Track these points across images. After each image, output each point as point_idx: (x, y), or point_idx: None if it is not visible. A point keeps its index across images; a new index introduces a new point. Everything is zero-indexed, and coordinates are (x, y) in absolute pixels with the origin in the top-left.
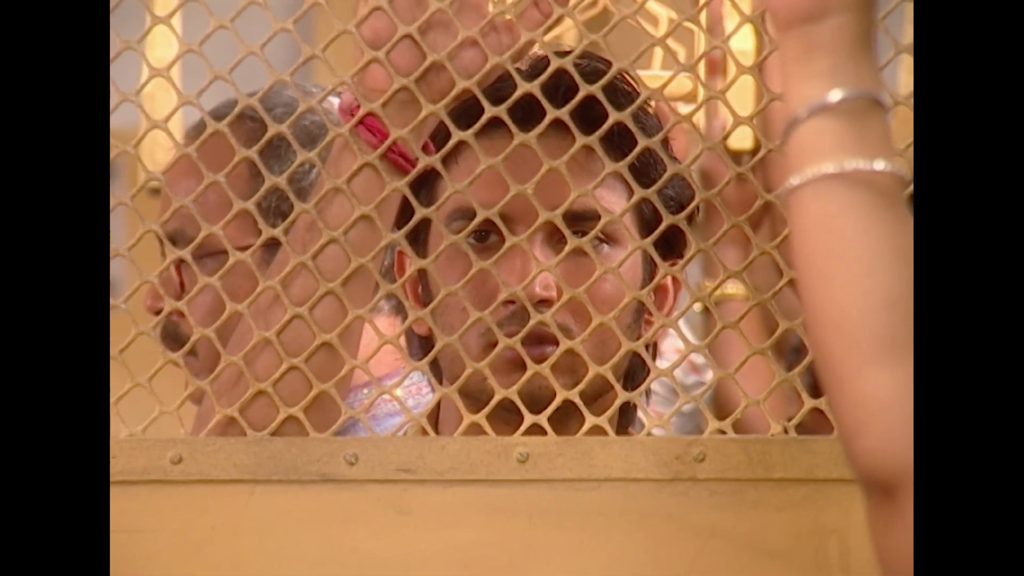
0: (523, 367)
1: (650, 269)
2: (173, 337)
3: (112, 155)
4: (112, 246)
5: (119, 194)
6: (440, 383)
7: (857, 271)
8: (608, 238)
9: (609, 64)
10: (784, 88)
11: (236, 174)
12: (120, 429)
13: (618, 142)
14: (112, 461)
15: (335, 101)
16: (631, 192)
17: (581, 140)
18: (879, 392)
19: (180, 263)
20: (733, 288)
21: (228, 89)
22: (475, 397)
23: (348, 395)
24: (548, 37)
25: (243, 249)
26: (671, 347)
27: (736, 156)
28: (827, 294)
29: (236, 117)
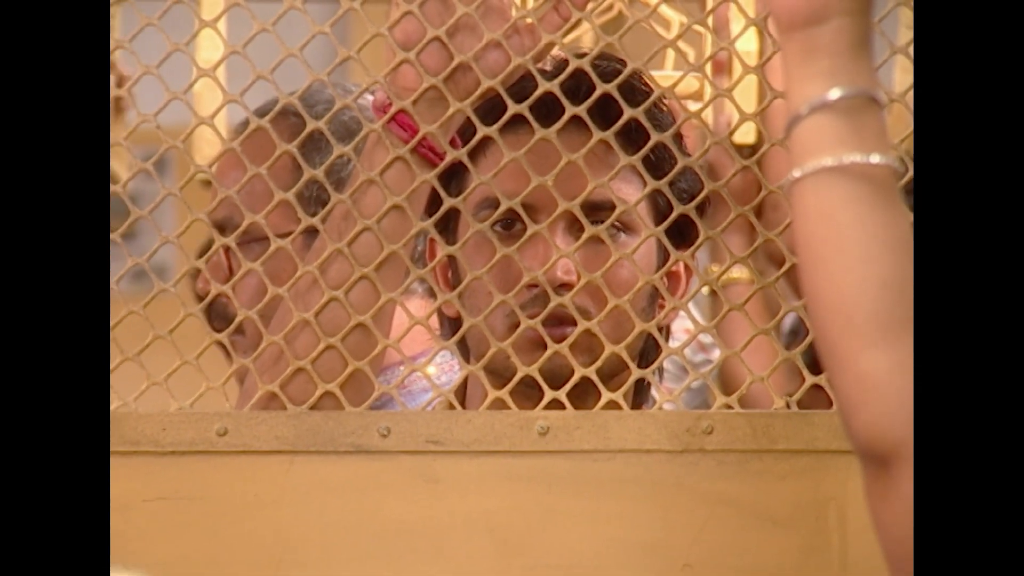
0: (544, 346)
1: (663, 256)
2: (223, 318)
3: (162, 149)
4: (162, 233)
5: (169, 185)
6: (467, 361)
7: (854, 257)
8: (624, 227)
9: (624, 64)
10: (786, 87)
11: (280, 166)
12: (170, 403)
13: (634, 137)
14: (162, 433)
15: (369, 99)
16: (646, 184)
17: (598, 135)
18: (875, 370)
19: (229, 249)
20: (737, 273)
21: (270, 88)
22: (499, 374)
23: (384, 373)
24: (567, 39)
25: (286, 236)
26: (681, 328)
27: (739, 150)
28: (827, 278)
29: (280, 114)
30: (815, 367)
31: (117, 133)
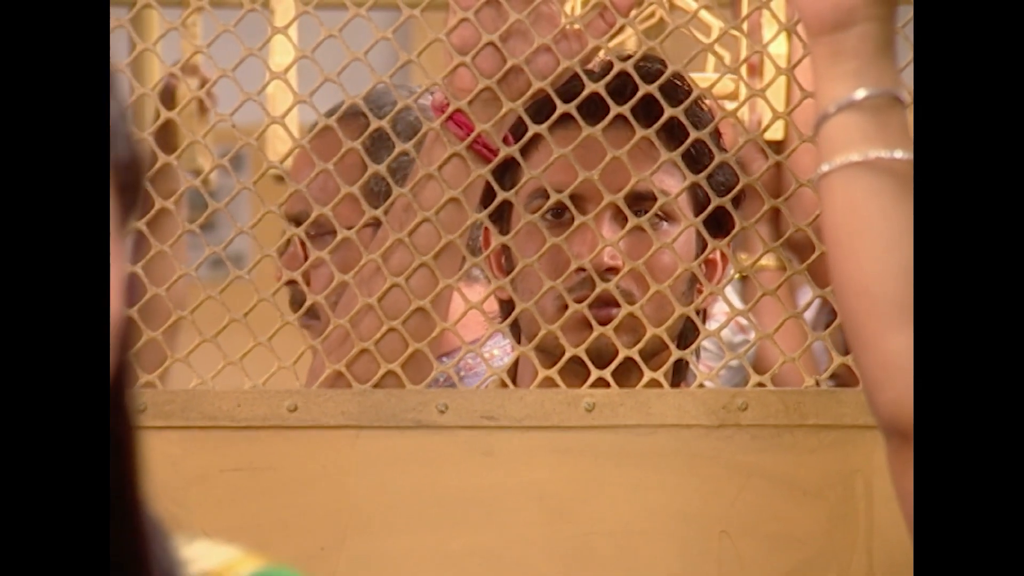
0: (591, 327)
1: (702, 244)
2: (299, 303)
3: (237, 147)
4: (237, 224)
5: (244, 180)
6: (519, 342)
7: (879, 246)
8: (666, 216)
9: (666, 66)
10: (815, 87)
11: (352, 163)
12: (244, 382)
13: (676, 134)
14: (237, 409)
15: (429, 99)
16: (686, 177)
17: (641, 132)
18: (898, 352)
19: (310, 240)
20: (766, 260)
21: (338, 89)
22: (549, 353)
23: (450, 356)
24: (612, 44)
25: (360, 228)
26: (721, 310)
27: (767, 146)
28: (853, 266)
29: (351, 115)
30: (844, 348)
31: (199, 131)
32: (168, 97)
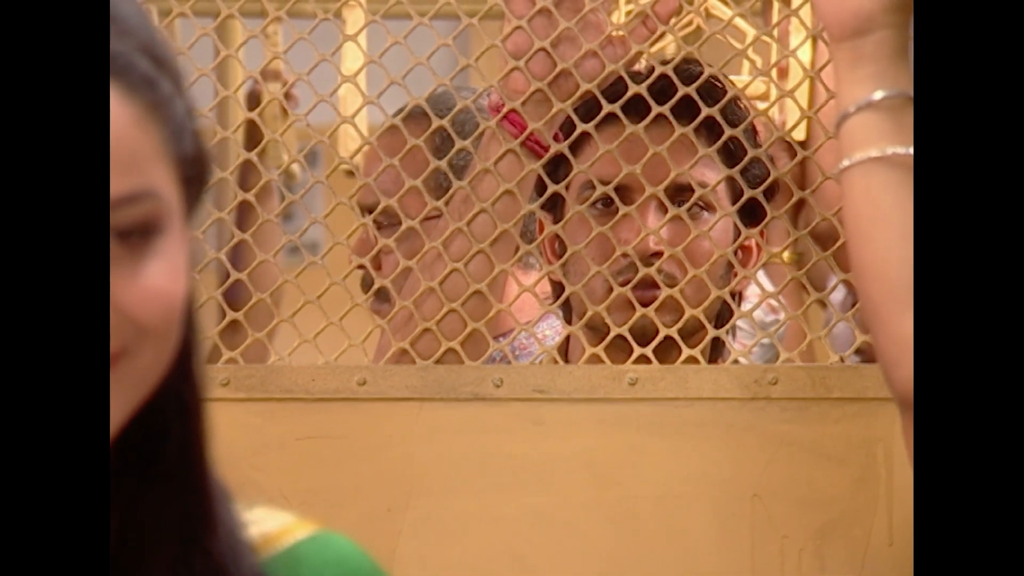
0: (635, 308)
1: (737, 233)
2: (370, 286)
3: (311, 143)
4: (312, 215)
5: (318, 174)
6: (570, 322)
7: (895, 235)
8: (705, 207)
9: (703, 69)
10: (836, 89)
11: (420, 160)
12: (317, 358)
13: (715, 131)
14: (311, 383)
15: (486, 100)
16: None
17: (680, 130)
18: (912, 332)
19: (380, 229)
20: (785, 255)
21: (402, 91)
22: (597, 331)
23: (507, 336)
24: (654, 49)
25: (425, 218)
26: (753, 293)
27: (789, 144)
28: (872, 253)
29: (420, 115)
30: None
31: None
32: (254, 100)
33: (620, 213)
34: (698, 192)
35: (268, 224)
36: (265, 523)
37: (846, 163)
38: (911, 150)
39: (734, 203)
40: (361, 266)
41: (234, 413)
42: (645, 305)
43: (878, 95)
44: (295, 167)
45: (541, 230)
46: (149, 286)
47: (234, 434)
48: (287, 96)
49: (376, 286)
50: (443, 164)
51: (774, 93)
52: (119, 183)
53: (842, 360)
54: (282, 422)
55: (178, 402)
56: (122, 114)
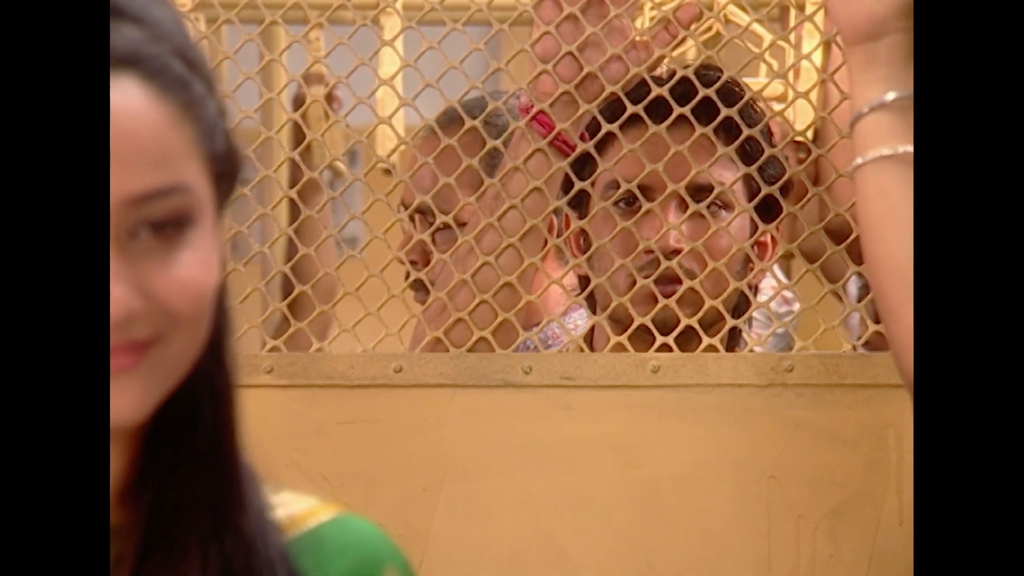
0: (656, 300)
1: (754, 228)
2: (416, 280)
3: (351, 143)
4: (351, 211)
5: (357, 172)
6: (595, 313)
7: (906, 229)
8: (723, 205)
9: (722, 73)
10: (850, 90)
11: (462, 161)
12: (356, 346)
13: (733, 132)
14: (351, 370)
15: (516, 102)
16: (740, 170)
17: (700, 130)
18: None
19: (427, 225)
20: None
21: (436, 93)
22: (620, 323)
23: (535, 327)
24: (675, 53)
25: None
26: (768, 285)
27: (800, 144)
28: (883, 247)
29: (461, 120)
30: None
31: (329, 131)
32: (300, 103)
33: (643, 211)
34: (718, 190)
35: (321, 218)
36: (291, 505)
37: (859, 161)
38: None
39: (750, 201)
40: (413, 262)
41: (277, 399)
42: (667, 298)
43: (890, 96)
44: (342, 165)
45: (567, 226)
46: (181, 276)
47: (277, 419)
48: (330, 98)
49: (411, 278)
50: (475, 162)
51: (790, 95)
52: (153, 178)
53: (855, 348)
54: (323, 407)
55: (210, 386)
56: (156, 113)
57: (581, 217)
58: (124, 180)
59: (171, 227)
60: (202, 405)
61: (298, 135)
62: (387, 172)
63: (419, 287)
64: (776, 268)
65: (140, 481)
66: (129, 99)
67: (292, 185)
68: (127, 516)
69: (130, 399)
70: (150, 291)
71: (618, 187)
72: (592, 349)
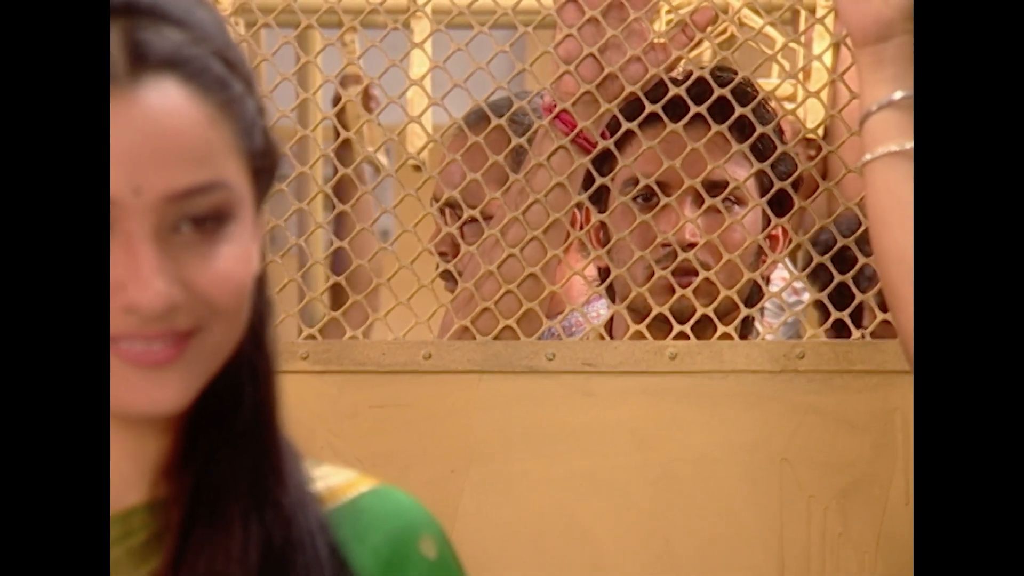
0: (673, 291)
1: (766, 222)
2: (446, 271)
3: (383, 141)
4: (382, 205)
5: (389, 167)
6: (615, 303)
7: (912, 222)
8: (736, 200)
9: (736, 74)
10: (860, 90)
11: (487, 158)
12: (387, 334)
13: (746, 130)
14: (382, 357)
15: (539, 101)
16: (753, 166)
17: (715, 128)
18: None
19: (456, 219)
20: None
21: (464, 93)
22: (639, 312)
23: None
24: (692, 55)
25: (490, 211)
26: (779, 276)
27: (810, 141)
28: (891, 238)
29: (487, 117)
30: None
31: (366, 130)
32: (339, 102)
33: (660, 205)
34: (731, 186)
35: (363, 211)
36: (331, 478)
37: (868, 157)
38: None
39: (762, 196)
40: (442, 253)
41: (313, 384)
42: (683, 288)
43: (898, 95)
44: (384, 160)
45: (587, 220)
46: (221, 269)
47: (313, 403)
48: (367, 97)
49: (441, 269)
50: (500, 159)
51: (801, 94)
52: (194, 174)
53: (863, 336)
54: (356, 392)
55: (251, 371)
56: (196, 112)
57: (601, 211)
58: (165, 177)
59: (211, 222)
60: (244, 388)
61: (338, 133)
62: (417, 168)
63: (448, 278)
64: (787, 260)
65: (184, 458)
66: (170, 99)
67: (336, 179)
68: (171, 491)
69: (171, 391)
70: (191, 283)
71: (637, 183)
72: (612, 337)
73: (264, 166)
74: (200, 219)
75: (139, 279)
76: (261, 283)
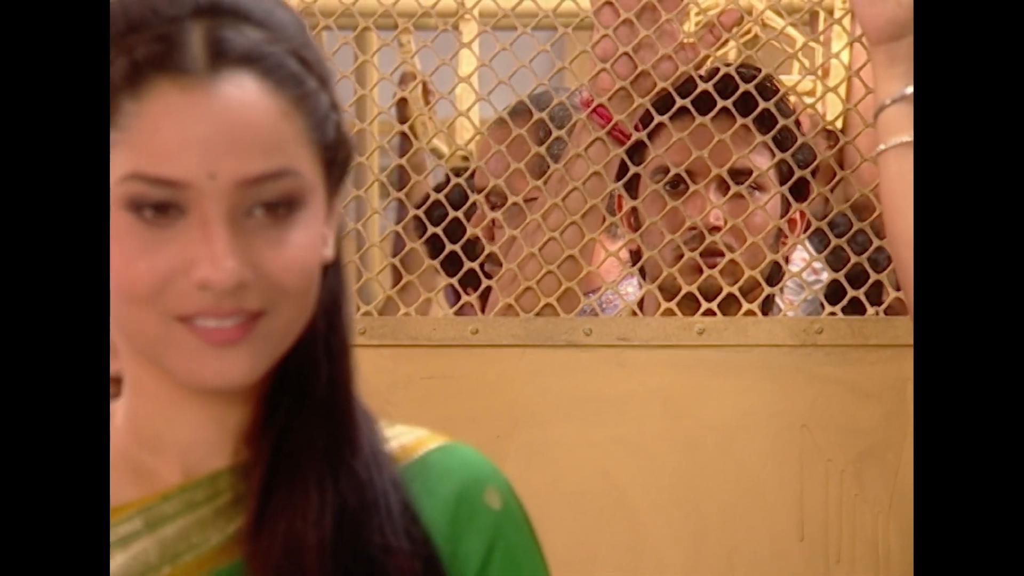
0: (701, 271)
1: (786, 207)
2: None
3: (433, 134)
4: (431, 191)
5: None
6: (646, 282)
7: None
8: (758, 187)
9: (759, 71)
10: (874, 85)
11: (528, 148)
12: (438, 311)
13: (768, 123)
14: (433, 332)
15: (578, 97)
16: (774, 156)
17: (740, 121)
18: None
19: (493, 208)
20: None
21: (508, 89)
22: (669, 290)
23: (591, 294)
24: (719, 53)
25: (528, 198)
26: (799, 257)
27: (830, 133)
28: (904, 223)
29: (528, 110)
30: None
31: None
32: (402, 101)
33: (688, 192)
34: (755, 174)
35: (420, 194)
36: (403, 436)
37: (882, 147)
38: None
39: (782, 184)
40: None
41: (370, 357)
42: (710, 268)
43: (910, 90)
44: (443, 146)
45: (620, 206)
46: (289, 254)
47: (370, 374)
48: (426, 91)
49: (486, 252)
50: (542, 150)
51: (820, 90)
52: (265, 162)
53: (877, 313)
54: (409, 365)
55: (326, 348)
56: (270, 105)
57: (633, 198)
58: (239, 164)
59: (282, 208)
60: (319, 364)
61: (401, 123)
62: (464, 159)
63: (489, 258)
64: (806, 241)
65: (263, 426)
66: (246, 92)
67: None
68: (251, 457)
69: (240, 367)
70: (260, 266)
71: (667, 171)
72: (643, 313)
73: (337, 158)
74: (272, 205)
75: (213, 257)
76: (337, 268)
